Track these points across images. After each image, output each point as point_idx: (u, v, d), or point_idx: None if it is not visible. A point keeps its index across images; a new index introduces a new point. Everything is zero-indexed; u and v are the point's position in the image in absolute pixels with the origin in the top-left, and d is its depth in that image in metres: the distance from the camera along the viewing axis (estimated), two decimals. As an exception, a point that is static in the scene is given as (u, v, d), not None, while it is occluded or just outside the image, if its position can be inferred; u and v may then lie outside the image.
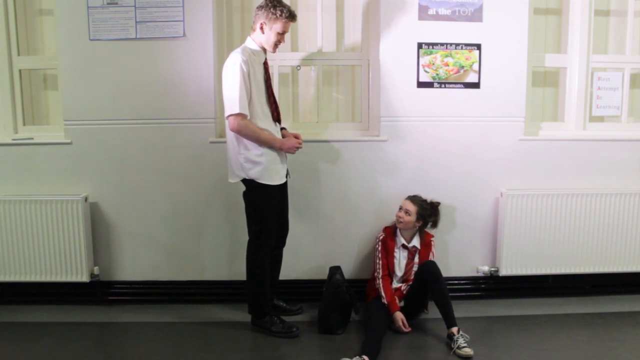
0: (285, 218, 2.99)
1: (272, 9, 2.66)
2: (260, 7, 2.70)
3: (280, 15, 2.66)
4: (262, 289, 2.88)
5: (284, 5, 2.69)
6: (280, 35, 2.72)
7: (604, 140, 3.31)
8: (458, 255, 3.31)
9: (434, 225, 3.14)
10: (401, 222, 3.04)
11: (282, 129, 2.96)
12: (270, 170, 2.75)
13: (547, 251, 3.22)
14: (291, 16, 2.69)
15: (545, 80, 3.52)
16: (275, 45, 2.75)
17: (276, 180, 2.78)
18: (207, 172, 3.17)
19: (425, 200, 3.10)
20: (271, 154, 2.75)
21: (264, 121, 2.75)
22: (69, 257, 3.11)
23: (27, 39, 3.32)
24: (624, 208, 3.22)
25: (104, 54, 3.09)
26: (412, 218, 3.03)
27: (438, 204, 3.14)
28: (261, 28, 2.70)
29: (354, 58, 3.35)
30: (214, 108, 3.16)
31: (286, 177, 2.90)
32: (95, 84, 3.10)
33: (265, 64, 2.80)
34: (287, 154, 2.86)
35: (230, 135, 2.74)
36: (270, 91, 2.80)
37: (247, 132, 2.67)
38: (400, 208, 3.07)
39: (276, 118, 2.83)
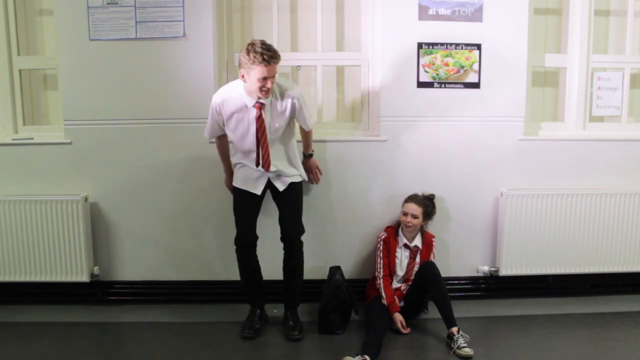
0: (285, 225, 2.95)
1: (246, 55, 2.55)
2: (241, 52, 2.62)
3: (254, 62, 2.53)
4: (243, 281, 3.00)
5: (261, 48, 2.53)
6: (264, 80, 2.57)
7: (604, 140, 3.31)
8: (458, 255, 3.31)
9: (430, 216, 3.15)
10: (410, 226, 3.04)
11: (310, 154, 3.08)
12: (236, 175, 2.95)
13: (547, 251, 3.22)
14: (267, 60, 2.51)
15: (545, 80, 3.52)
16: (262, 90, 2.60)
17: (241, 185, 2.91)
18: (207, 172, 3.16)
19: (423, 197, 3.12)
20: (240, 163, 2.91)
21: (238, 157, 2.91)
22: (69, 257, 3.11)
23: (27, 39, 3.32)
24: (624, 208, 3.22)
25: (104, 54, 3.08)
26: (420, 220, 3.04)
27: (433, 196, 3.17)
28: (242, 76, 2.63)
29: (354, 58, 3.35)
30: (214, 108, 3.16)
31: (275, 189, 2.92)
32: (95, 84, 3.10)
33: (257, 106, 2.70)
34: (275, 170, 2.87)
35: None
36: (260, 135, 2.74)
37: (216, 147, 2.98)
38: (406, 213, 3.05)
39: (261, 164, 2.81)
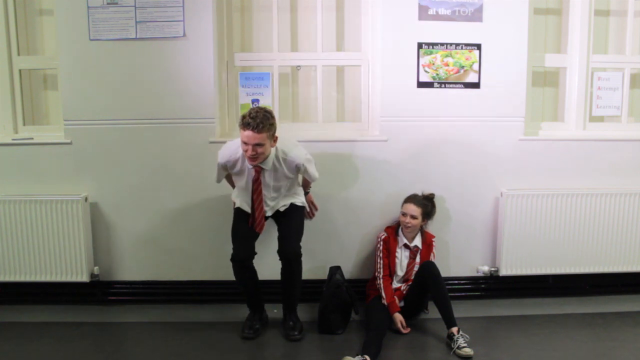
0: (284, 242, 2.92)
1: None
2: None
3: (240, 124, 2.62)
4: (241, 288, 2.99)
5: (248, 112, 2.62)
6: (244, 145, 2.63)
7: (604, 140, 3.31)
8: (458, 255, 3.31)
9: (430, 216, 3.14)
10: (409, 226, 3.04)
11: (307, 192, 3.11)
12: (237, 198, 3.00)
13: (547, 251, 3.22)
14: (243, 124, 2.58)
15: (545, 80, 3.52)
16: (245, 152, 2.65)
17: (243, 206, 2.95)
18: (207, 172, 3.16)
19: (423, 197, 3.11)
20: (237, 191, 2.99)
21: (241, 202, 2.96)
22: (69, 257, 3.10)
23: (27, 39, 3.32)
24: (624, 208, 3.22)
25: (104, 54, 3.08)
26: (419, 220, 3.04)
27: (432, 195, 3.16)
28: None
29: (354, 58, 3.35)
30: (214, 108, 3.16)
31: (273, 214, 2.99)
32: (95, 84, 3.10)
33: (256, 170, 2.77)
34: (268, 201, 2.91)
35: None
36: (255, 197, 2.83)
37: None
38: (405, 214, 3.06)
39: (254, 225, 2.88)
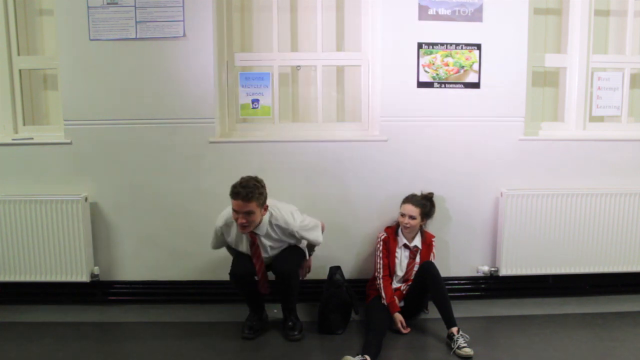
0: (279, 264, 2.89)
1: None
2: None
3: (230, 193, 2.69)
4: (242, 296, 2.98)
5: (239, 182, 2.68)
6: (235, 213, 2.69)
7: (604, 140, 3.31)
8: (458, 255, 3.31)
9: (430, 216, 3.14)
10: (408, 227, 3.04)
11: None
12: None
13: (547, 251, 3.22)
14: (232, 193, 2.66)
15: (545, 80, 3.52)
16: (236, 221, 2.71)
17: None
18: (207, 172, 3.17)
19: (421, 197, 3.12)
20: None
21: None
22: (69, 257, 3.11)
23: (27, 39, 3.32)
24: (624, 208, 3.22)
25: (104, 54, 3.09)
26: (418, 220, 3.04)
27: (431, 195, 3.16)
28: None
29: (354, 58, 3.35)
30: (214, 108, 3.16)
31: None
32: (95, 84, 3.10)
33: (251, 235, 2.82)
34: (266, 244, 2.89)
35: None
36: (255, 260, 2.87)
37: None
38: (403, 215, 3.06)
39: (260, 286, 2.93)
